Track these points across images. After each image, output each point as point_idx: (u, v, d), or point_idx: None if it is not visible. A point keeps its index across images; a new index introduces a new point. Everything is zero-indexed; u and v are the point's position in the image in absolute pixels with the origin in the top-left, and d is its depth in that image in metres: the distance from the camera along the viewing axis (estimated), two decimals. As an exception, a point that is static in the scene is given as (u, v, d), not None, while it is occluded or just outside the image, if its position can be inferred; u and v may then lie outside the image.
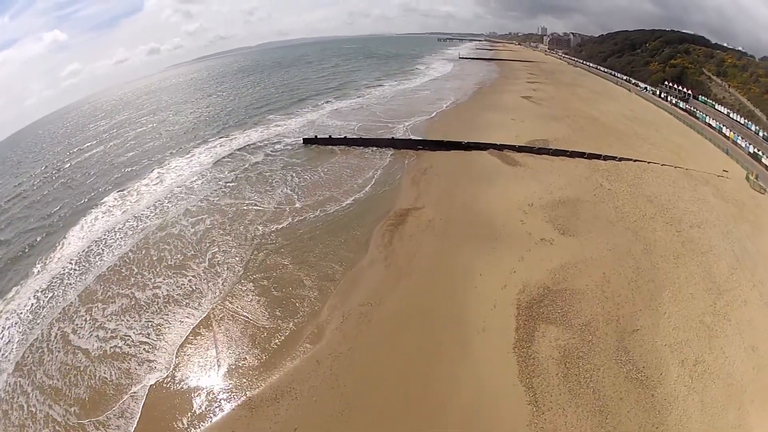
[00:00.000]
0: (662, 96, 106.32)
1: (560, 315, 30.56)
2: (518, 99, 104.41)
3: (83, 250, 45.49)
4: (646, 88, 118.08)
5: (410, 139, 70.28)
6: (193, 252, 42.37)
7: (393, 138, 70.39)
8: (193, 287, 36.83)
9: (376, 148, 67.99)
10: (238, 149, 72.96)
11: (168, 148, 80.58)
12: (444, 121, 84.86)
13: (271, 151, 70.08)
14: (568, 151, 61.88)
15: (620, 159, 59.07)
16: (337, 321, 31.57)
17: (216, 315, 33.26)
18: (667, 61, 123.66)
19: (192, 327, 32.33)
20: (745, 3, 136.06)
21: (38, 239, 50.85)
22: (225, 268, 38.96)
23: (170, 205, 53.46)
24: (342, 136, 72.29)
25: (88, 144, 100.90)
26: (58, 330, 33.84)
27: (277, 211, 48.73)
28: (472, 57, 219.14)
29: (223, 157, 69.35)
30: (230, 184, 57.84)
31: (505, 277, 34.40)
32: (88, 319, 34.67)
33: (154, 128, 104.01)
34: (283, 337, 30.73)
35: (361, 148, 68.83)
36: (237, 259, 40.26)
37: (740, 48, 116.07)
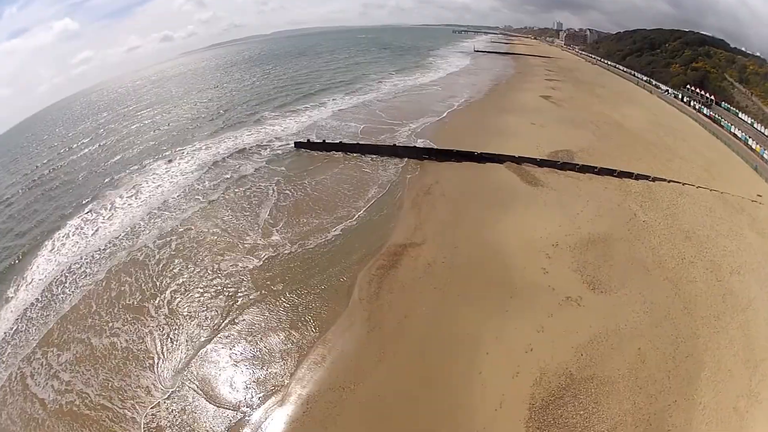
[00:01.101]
0: (684, 100, 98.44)
1: (582, 418, 22.88)
2: (537, 99, 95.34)
3: (48, 281, 39.68)
4: (667, 90, 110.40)
5: (415, 147, 61.39)
6: (153, 290, 35.55)
7: (395, 145, 61.52)
8: (152, 345, 30.08)
9: (376, 156, 59.63)
10: (228, 155, 64.90)
11: (156, 150, 72.92)
12: (455, 123, 76.29)
13: (260, 159, 61.92)
14: (596, 168, 53.22)
15: (653, 179, 51.12)
16: (297, 411, 24.13)
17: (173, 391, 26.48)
18: (689, 64, 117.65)
19: (152, 404, 25.76)
20: (759, 7, 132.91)
21: (14, 262, 44.62)
22: (184, 320, 31.91)
23: (142, 224, 46.68)
24: (338, 141, 63.92)
25: (82, 141, 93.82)
26: (18, 371, 29.82)
27: (251, 245, 40.52)
28: (487, 51, 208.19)
29: (208, 165, 61.44)
30: (208, 201, 50.06)
31: (518, 359, 26.24)
32: (44, 363, 29.89)
33: (149, 125, 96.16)
34: (229, 427, 23.65)
35: (359, 155, 60.44)
36: (196, 309, 32.88)
37: (758, 54, 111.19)
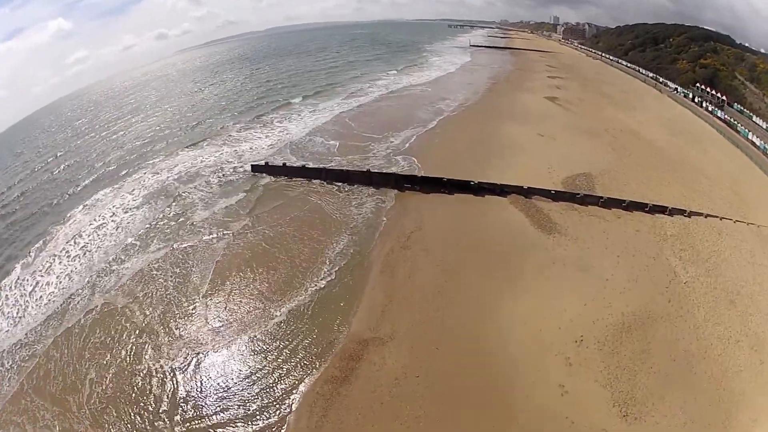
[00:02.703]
0: (696, 100, 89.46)
1: None
2: (542, 101, 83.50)
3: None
4: (676, 89, 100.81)
5: (394, 175, 48.61)
6: (74, 381, 26.94)
7: (370, 171, 48.68)
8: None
9: (344, 185, 47.76)
10: (180, 182, 53.30)
11: (114, 172, 61.70)
12: (446, 136, 63.70)
13: (210, 192, 49.80)
14: (624, 202, 42.11)
15: (689, 214, 41.45)
16: None
17: None
18: (697, 61, 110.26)
19: None
20: (757, 2, 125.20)
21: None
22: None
23: (76, 283, 37.14)
24: (300, 165, 51.96)
25: (50, 159, 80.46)
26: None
27: (176, 337, 29.15)
28: (484, 45, 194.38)
29: (156, 198, 50.04)
30: (143, 262, 38.27)
31: None
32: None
33: (115, 140, 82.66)
34: None
35: (327, 183, 48.55)
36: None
37: (762, 50, 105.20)
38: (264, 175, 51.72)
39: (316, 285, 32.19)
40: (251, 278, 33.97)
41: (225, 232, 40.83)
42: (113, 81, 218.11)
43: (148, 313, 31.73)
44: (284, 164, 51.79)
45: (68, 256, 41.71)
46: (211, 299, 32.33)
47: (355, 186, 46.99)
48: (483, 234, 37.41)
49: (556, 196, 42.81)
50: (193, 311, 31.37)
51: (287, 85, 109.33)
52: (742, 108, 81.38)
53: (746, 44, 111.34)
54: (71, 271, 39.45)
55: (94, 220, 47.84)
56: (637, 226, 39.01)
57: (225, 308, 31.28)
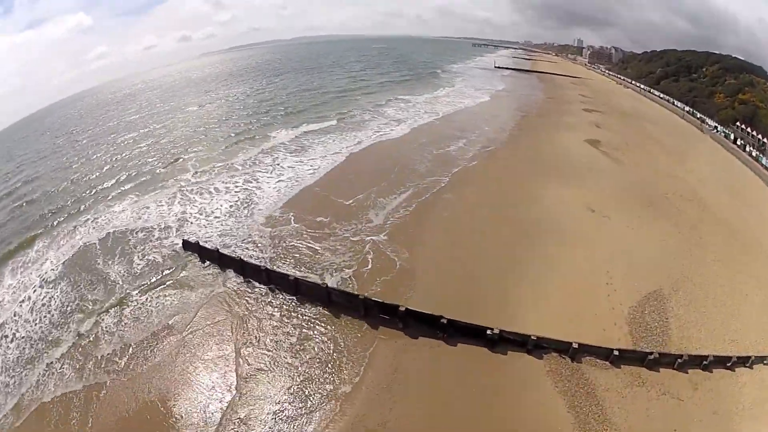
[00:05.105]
0: (739, 143, 78.95)
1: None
2: (583, 146, 66.78)
3: None
4: (716, 127, 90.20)
5: (365, 299, 29.13)
6: None
7: (328, 288, 30.60)
8: None
9: (292, 300, 31.25)
10: (104, 243, 41.25)
11: (53, 224, 48.57)
12: (457, 207, 44.37)
13: (129, 272, 36.22)
14: (706, 359, 26.00)
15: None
16: None
17: None
18: (735, 95, 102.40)
19: None
20: None
21: None
22: None
23: None
24: (236, 256, 35.24)
25: (18, 185, 67.77)
26: None
27: None
28: (509, 67, 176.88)
29: (72, 267, 38.01)
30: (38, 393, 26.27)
31: None
32: None
33: (84, 168, 68.58)
34: None
35: (265, 289, 32.39)
36: None
37: None
38: (195, 258, 36.63)
39: None
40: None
41: (123, 371, 26.49)
42: (127, 81, 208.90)
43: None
44: (217, 250, 35.73)
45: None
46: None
47: (307, 305, 30.37)
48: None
49: (619, 358, 25.49)
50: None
51: (289, 110, 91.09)
52: (784, 153, 70.60)
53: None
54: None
55: (17, 287, 37.23)
56: (715, 404, 23.54)
57: None
